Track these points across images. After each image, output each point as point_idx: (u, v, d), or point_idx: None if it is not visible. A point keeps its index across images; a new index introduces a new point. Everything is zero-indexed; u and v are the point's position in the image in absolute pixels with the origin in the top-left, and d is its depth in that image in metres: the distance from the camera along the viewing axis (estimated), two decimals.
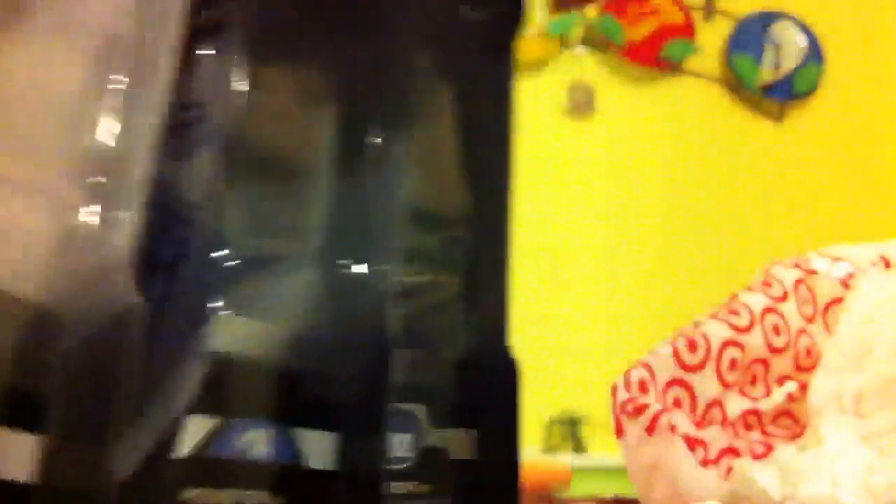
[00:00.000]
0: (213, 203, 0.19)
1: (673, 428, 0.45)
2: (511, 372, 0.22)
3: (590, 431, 2.09)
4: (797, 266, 0.51)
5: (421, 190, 0.21)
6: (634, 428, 0.46)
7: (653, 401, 0.46)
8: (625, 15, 2.19)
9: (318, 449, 0.18)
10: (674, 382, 0.47)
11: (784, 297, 0.50)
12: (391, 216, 0.21)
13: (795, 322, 0.49)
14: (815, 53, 2.28)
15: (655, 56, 2.21)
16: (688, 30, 2.23)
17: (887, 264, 0.52)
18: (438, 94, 0.22)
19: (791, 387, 0.49)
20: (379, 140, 0.21)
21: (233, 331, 0.18)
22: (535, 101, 2.13)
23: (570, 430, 2.10)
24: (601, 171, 2.18)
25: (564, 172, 2.15)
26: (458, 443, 0.21)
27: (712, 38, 2.26)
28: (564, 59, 2.17)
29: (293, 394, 0.18)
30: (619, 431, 0.47)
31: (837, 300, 0.50)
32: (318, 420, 0.18)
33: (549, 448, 2.07)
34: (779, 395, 0.49)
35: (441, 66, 0.22)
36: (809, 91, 2.29)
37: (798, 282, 0.50)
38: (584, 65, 2.19)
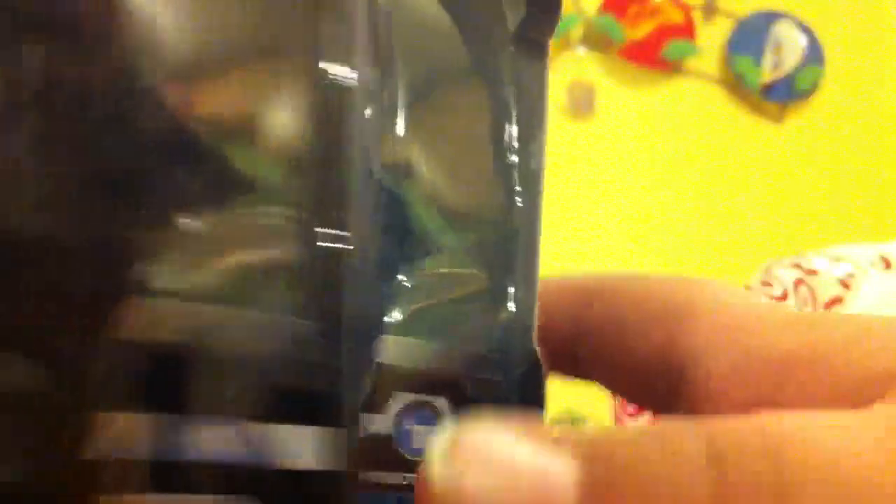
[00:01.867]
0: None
1: None
2: (537, 371, 0.21)
3: None
4: (797, 266, 0.51)
5: (452, 184, 0.21)
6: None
7: None
8: (625, 15, 2.19)
9: (293, 446, 0.17)
10: None
11: (784, 297, 0.50)
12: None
13: None
14: (815, 53, 2.28)
15: (655, 56, 2.21)
16: (688, 30, 2.23)
17: (887, 264, 0.52)
18: (474, 88, 0.22)
19: None
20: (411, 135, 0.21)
21: (184, 318, 0.17)
22: None
23: None
24: (601, 171, 2.18)
25: (563, 172, 2.15)
26: None
27: (712, 38, 2.26)
28: (564, 59, 2.17)
29: (263, 386, 0.17)
30: None
31: (837, 300, 0.50)
32: (293, 414, 0.17)
33: None
34: None
35: (478, 63, 0.21)
36: (809, 91, 2.29)
37: (798, 282, 0.50)
38: (583, 65, 2.19)
